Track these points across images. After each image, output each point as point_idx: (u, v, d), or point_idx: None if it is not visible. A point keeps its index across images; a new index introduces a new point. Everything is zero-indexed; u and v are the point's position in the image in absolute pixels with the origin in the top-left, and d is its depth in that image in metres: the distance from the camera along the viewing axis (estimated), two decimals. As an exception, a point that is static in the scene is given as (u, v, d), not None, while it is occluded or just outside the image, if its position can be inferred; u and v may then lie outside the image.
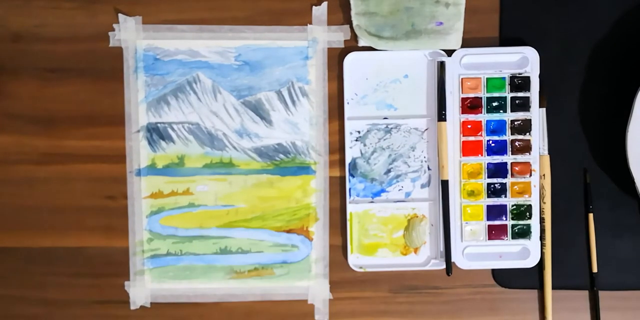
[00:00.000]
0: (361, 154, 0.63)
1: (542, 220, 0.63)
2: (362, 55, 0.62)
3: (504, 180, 0.62)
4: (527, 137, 0.62)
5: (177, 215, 0.63)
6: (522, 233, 0.63)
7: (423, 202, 0.63)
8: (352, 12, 0.61)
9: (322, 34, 0.62)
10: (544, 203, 0.62)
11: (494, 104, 0.62)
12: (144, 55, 0.62)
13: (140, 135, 0.63)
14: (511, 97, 0.62)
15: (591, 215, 0.63)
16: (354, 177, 0.63)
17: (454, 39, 0.62)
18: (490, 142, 0.62)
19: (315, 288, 0.63)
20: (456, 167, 0.63)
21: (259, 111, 0.63)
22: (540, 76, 0.62)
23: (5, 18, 0.63)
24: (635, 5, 0.63)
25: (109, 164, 0.63)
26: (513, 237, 0.63)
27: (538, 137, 0.62)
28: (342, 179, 0.63)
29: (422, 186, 0.63)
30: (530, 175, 0.62)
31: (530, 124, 0.62)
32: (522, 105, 0.62)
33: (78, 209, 0.63)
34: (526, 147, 0.62)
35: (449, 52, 0.62)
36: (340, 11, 0.63)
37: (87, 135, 0.63)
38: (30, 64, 0.63)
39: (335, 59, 0.63)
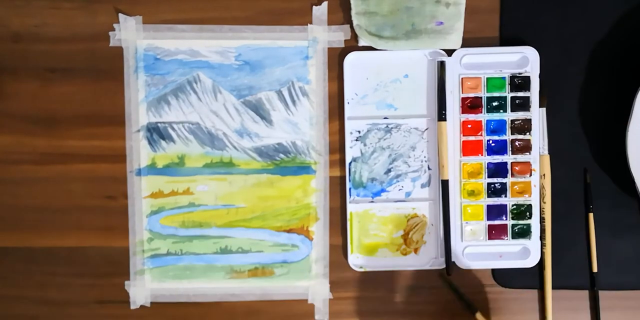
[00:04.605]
0: (361, 153, 0.63)
1: (542, 220, 0.63)
2: (362, 55, 0.62)
3: (504, 180, 0.62)
4: (527, 136, 0.62)
5: (177, 215, 0.63)
6: (522, 233, 0.63)
7: (423, 202, 0.63)
8: (352, 12, 0.62)
9: (322, 33, 0.62)
10: (544, 203, 0.62)
11: (494, 103, 0.62)
12: (144, 55, 0.62)
13: (141, 135, 0.63)
14: (511, 97, 0.62)
15: (591, 215, 0.63)
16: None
17: (454, 39, 0.62)
18: (491, 141, 0.62)
19: (315, 288, 0.63)
20: (456, 167, 0.63)
21: (259, 111, 0.63)
22: (540, 76, 0.62)
23: (5, 18, 0.63)
24: (635, 5, 0.63)
25: (109, 164, 0.63)
26: (513, 237, 0.63)
27: (538, 137, 0.62)
28: (342, 179, 0.63)
29: (422, 186, 0.63)
30: (531, 175, 0.62)
31: (530, 124, 0.62)
32: (522, 105, 0.62)
33: (78, 209, 0.63)
34: (526, 147, 0.62)
35: (449, 52, 0.62)
36: (340, 11, 0.63)
37: (87, 135, 0.63)
38: (30, 64, 0.63)
39: (336, 59, 0.63)
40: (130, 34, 0.62)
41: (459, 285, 0.63)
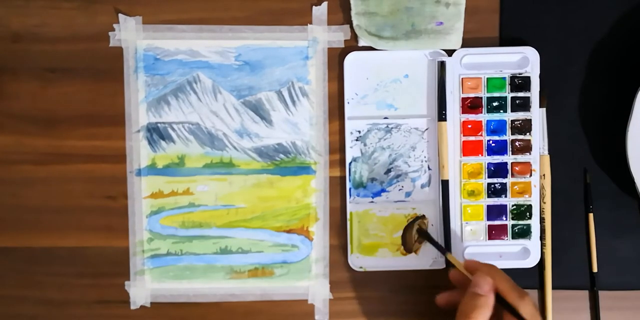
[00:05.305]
0: (361, 153, 0.63)
1: (542, 220, 0.63)
2: (362, 55, 0.62)
3: (504, 180, 0.62)
4: (527, 137, 0.62)
5: (177, 215, 0.63)
6: (522, 233, 0.63)
7: (423, 202, 0.63)
8: (352, 12, 0.61)
9: (322, 33, 0.62)
10: (544, 203, 0.62)
11: (494, 103, 0.62)
12: (144, 55, 0.62)
13: (141, 135, 0.63)
14: (511, 97, 0.62)
15: (591, 215, 0.63)
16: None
17: (454, 39, 0.62)
18: (491, 142, 0.62)
19: (315, 288, 0.63)
20: (456, 167, 0.63)
21: (259, 111, 0.63)
22: (540, 76, 0.62)
23: (5, 18, 0.63)
24: (635, 5, 0.63)
25: (109, 164, 0.63)
26: (513, 237, 0.63)
27: (538, 137, 0.62)
28: (342, 179, 0.63)
29: (422, 186, 0.63)
30: (531, 175, 0.62)
31: (531, 124, 0.62)
32: (523, 105, 0.62)
33: (78, 209, 0.63)
34: (526, 147, 0.62)
35: (449, 52, 0.62)
36: (340, 11, 0.63)
37: (87, 135, 0.63)
38: (30, 64, 0.63)
39: (336, 59, 0.63)
40: (130, 34, 0.62)
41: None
